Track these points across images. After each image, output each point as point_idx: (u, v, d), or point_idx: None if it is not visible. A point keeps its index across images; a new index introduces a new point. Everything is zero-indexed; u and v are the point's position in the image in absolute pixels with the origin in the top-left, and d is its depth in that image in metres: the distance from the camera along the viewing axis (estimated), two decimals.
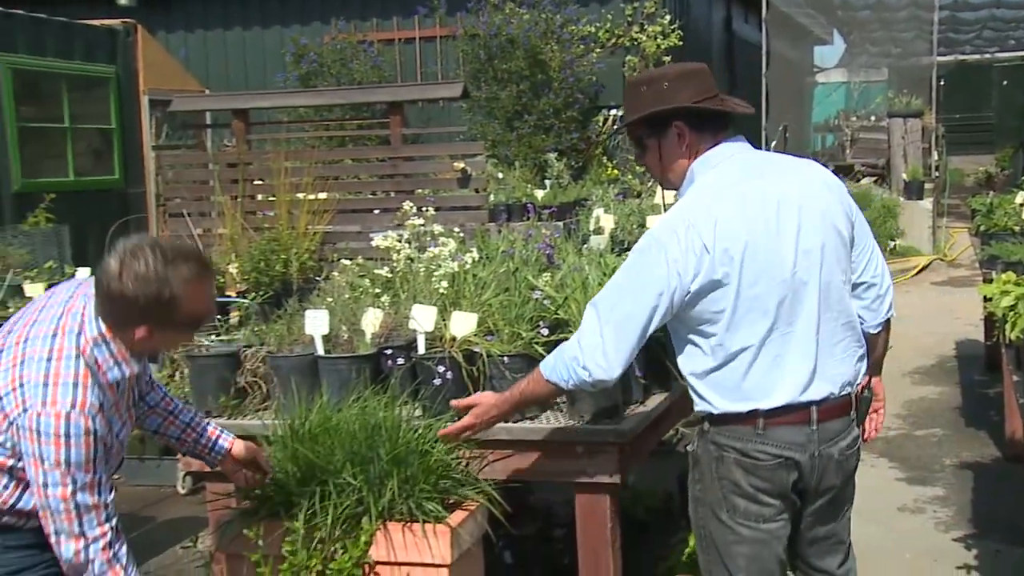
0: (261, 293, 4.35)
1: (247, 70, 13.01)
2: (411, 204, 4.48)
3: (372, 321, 3.45)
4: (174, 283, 2.30)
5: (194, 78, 11.62)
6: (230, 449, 2.90)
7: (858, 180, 15.78)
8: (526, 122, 11.09)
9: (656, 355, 3.28)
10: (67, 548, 2.31)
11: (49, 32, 9.76)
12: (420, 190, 5.63)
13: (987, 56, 20.62)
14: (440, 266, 3.69)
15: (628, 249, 3.24)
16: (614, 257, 3.87)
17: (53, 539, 2.32)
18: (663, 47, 11.88)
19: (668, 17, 12.01)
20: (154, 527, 5.27)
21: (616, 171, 11.14)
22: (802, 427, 2.59)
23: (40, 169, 9.59)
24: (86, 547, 2.31)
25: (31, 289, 5.00)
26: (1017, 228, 7.35)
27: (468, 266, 3.68)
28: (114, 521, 2.37)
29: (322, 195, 5.22)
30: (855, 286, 2.74)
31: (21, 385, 2.30)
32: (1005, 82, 24.70)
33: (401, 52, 12.59)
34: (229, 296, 4.50)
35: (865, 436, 2.89)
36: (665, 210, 2.89)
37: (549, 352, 2.78)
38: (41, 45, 9.64)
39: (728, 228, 2.51)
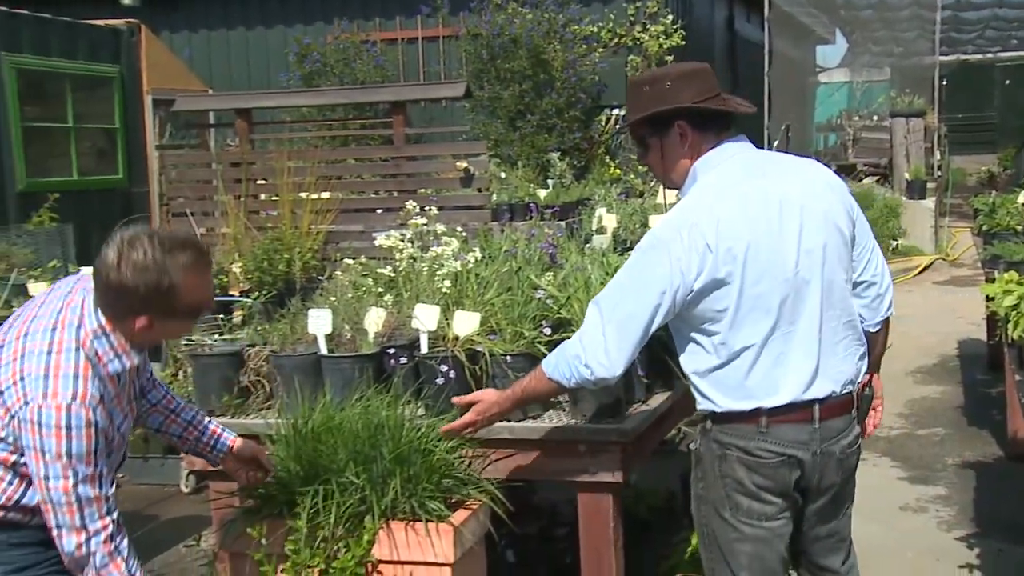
0: (264, 292, 4.36)
1: (250, 70, 13.01)
2: (414, 204, 4.48)
3: (375, 320, 3.46)
4: (173, 271, 2.30)
5: (197, 78, 11.61)
6: (232, 447, 2.91)
7: (860, 180, 15.77)
8: (529, 122, 11.09)
9: (658, 354, 3.27)
10: (69, 541, 2.33)
11: (53, 32, 9.77)
12: (423, 190, 5.63)
13: (989, 56, 20.60)
14: (443, 265, 3.69)
15: (630, 248, 3.24)
16: (616, 256, 3.87)
17: (55, 533, 2.33)
18: (665, 47, 11.87)
19: (671, 17, 12.01)
20: (158, 525, 5.28)
21: (618, 171, 11.13)
22: (805, 425, 2.60)
23: (44, 169, 9.60)
24: (87, 540, 2.32)
25: (35, 288, 4.99)
26: (1019, 228, 7.33)
27: (471, 265, 3.68)
28: (115, 514, 2.38)
29: (325, 195, 5.22)
30: (855, 285, 2.75)
31: (22, 379, 2.30)
32: (1007, 82, 24.73)
33: (404, 52, 12.59)
34: (232, 295, 4.51)
35: (864, 433, 2.90)
36: (667, 209, 2.89)
37: (551, 351, 2.78)
38: (45, 45, 9.65)
39: (730, 227, 2.52)
